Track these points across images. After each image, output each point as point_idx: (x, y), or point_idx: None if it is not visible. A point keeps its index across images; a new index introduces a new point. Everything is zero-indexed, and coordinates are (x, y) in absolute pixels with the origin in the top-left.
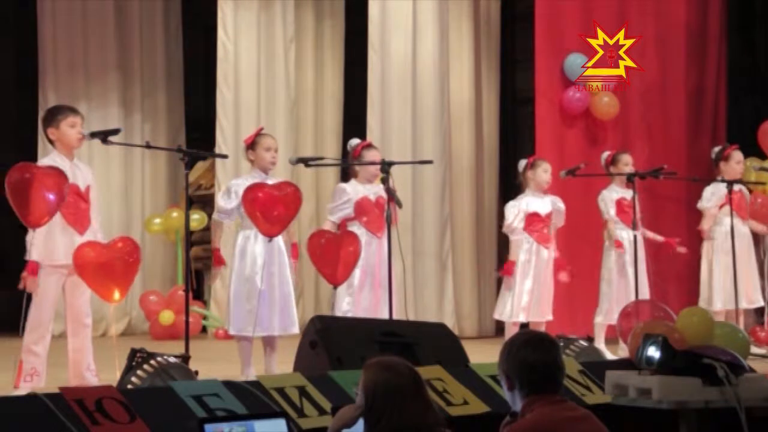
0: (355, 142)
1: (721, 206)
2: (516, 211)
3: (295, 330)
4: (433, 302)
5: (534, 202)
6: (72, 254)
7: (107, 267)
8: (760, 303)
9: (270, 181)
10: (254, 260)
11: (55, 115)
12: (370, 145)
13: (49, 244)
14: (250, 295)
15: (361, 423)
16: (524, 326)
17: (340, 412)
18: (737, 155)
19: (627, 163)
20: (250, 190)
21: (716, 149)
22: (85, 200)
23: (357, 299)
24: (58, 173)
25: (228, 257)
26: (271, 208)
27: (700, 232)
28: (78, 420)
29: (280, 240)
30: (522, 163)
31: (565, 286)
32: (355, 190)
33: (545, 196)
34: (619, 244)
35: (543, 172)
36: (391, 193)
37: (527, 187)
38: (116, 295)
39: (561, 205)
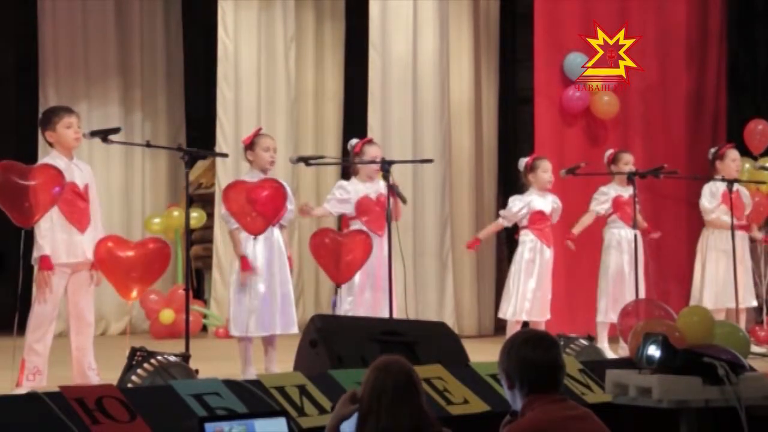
0: (354, 141)
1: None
2: (522, 204)
3: (294, 330)
4: (433, 301)
5: (538, 200)
6: (74, 252)
7: (132, 265)
8: (752, 303)
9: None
10: (255, 260)
11: (50, 117)
12: (370, 141)
13: (53, 244)
14: (251, 296)
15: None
16: (525, 325)
17: (339, 403)
18: (732, 153)
19: (627, 162)
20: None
21: (712, 150)
22: (83, 198)
23: (358, 299)
24: (49, 171)
25: (230, 255)
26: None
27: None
28: (78, 419)
29: (280, 240)
30: (521, 164)
31: (564, 285)
32: (355, 189)
33: (547, 196)
34: (571, 237)
35: (543, 173)
36: (394, 190)
37: (531, 187)
38: (134, 293)
39: (558, 203)
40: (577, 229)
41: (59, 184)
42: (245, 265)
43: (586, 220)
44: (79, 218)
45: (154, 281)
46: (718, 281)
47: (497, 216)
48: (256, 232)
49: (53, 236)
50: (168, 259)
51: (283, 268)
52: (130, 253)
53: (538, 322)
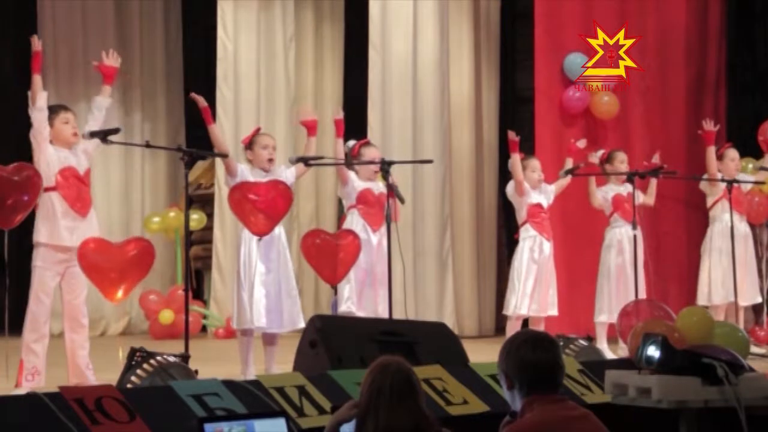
0: (351, 143)
1: (716, 202)
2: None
3: (301, 324)
4: (433, 301)
5: (534, 195)
6: (76, 237)
7: (114, 269)
8: (757, 300)
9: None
10: (256, 256)
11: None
12: (368, 143)
13: (54, 227)
14: (253, 291)
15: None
16: (525, 325)
17: (342, 407)
18: (731, 153)
19: (623, 161)
20: (237, 189)
21: None
22: (84, 183)
23: (358, 296)
24: (26, 171)
25: (230, 255)
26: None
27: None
28: (78, 419)
29: (282, 236)
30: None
31: (564, 285)
32: (358, 182)
33: (540, 192)
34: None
35: (531, 173)
36: (392, 189)
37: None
38: (119, 294)
39: (549, 188)
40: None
41: (35, 188)
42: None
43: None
44: (81, 203)
45: (139, 281)
46: (724, 278)
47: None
48: (260, 234)
49: (57, 222)
50: (151, 257)
51: (285, 264)
52: (113, 255)
53: (539, 319)
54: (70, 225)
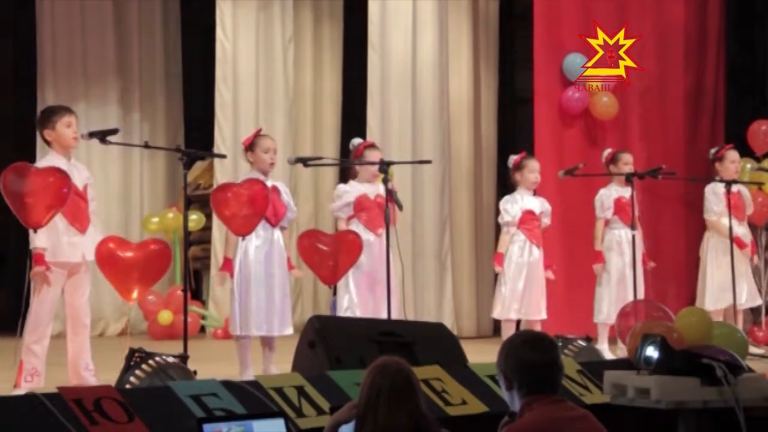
0: (357, 141)
1: None
2: (517, 205)
3: (289, 331)
4: (432, 302)
5: (529, 200)
6: (74, 253)
7: (135, 268)
8: (755, 303)
9: (268, 183)
10: (255, 261)
11: (50, 115)
12: (372, 145)
13: (56, 244)
14: (250, 296)
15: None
16: (518, 326)
17: (342, 408)
18: (731, 155)
19: (627, 163)
20: (219, 191)
21: (712, 150)
22: (83, 199)
23: (359, 298)
24: (57, 172)
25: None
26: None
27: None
28: (76, 420)
29: (280, 240)
30: (510, 162)
31: (563, 286)
32: (354, 189)
33: (536, 196)
34: (600, 257)
35: (529, 173)
36: (391, 194)
37: (519, 186)
38: (135, 294)
39: (548, 206)
40: (598, 245)
41: (67, 186)
42: (225, 266)
43: (599, 231)
44: (80, 219)
45: (155, 282)
46: (722, 282)
47: (497, 217)
48: (243, 233)
49: (58, 238)
50: (169, 260)
51: (283, 269)
52: (131, 254)
53: (533, 322)
54: (70, 241)
